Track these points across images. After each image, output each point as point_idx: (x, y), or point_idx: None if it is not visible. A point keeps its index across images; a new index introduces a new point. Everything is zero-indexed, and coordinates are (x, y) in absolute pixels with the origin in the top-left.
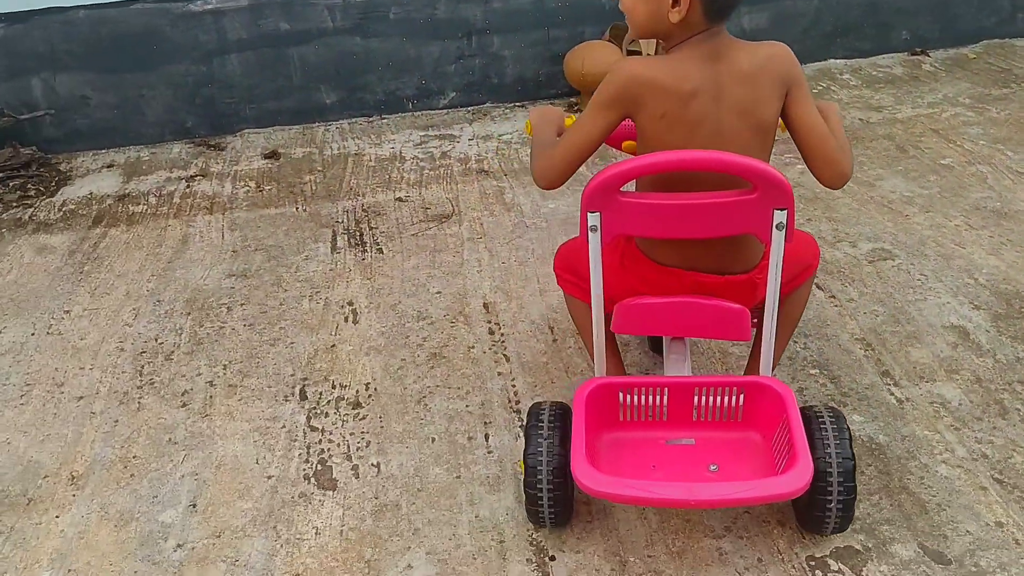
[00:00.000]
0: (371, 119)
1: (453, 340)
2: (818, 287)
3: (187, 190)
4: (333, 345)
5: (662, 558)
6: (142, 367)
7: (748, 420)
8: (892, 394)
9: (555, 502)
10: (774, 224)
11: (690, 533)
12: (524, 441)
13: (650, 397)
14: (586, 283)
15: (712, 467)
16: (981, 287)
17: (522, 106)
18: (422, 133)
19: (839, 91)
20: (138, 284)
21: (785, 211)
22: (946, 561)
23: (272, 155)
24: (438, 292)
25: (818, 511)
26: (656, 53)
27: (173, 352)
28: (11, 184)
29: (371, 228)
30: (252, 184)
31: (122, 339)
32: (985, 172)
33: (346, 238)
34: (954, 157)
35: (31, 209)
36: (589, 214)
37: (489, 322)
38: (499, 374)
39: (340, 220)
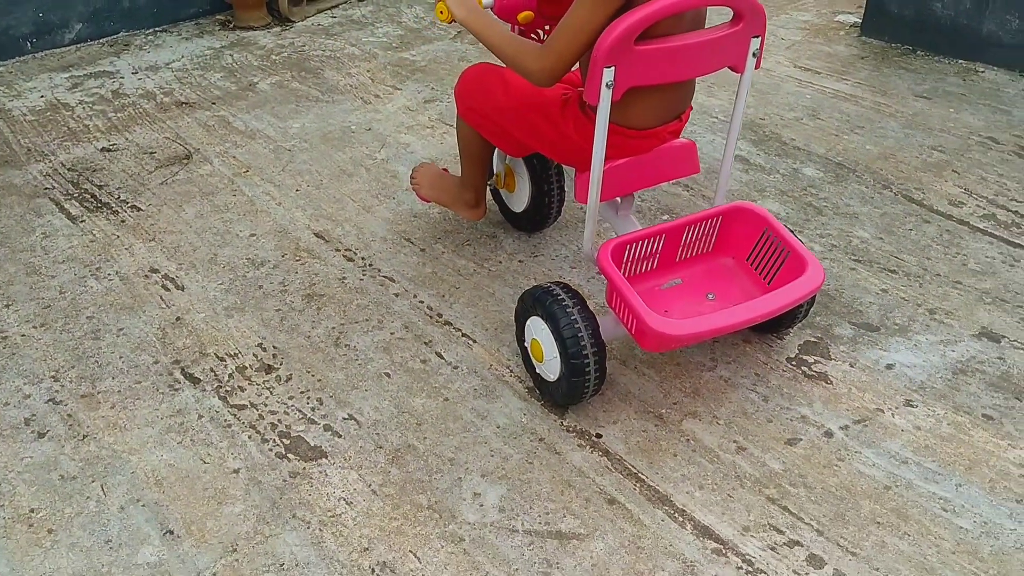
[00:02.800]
0: None
1: (316, 277)
2: None
3: None
4: (178, 318)
5: (685, 401)
6: None
7: (718, 248)
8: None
9: (599, 368)
10: (751, 52)
11: (690, 373)
12: (550, 320)
13: (649, 247)
14: (490, 122)
15: (710, 296)
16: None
17: (164, 30)
18: (65, 75)
19: None
20: None
21: (759, 38)
22: (874, 328)
23: None
24: (252, 235)
25: (787, 314)
26: None
27: None
28: None
29: (99, 187)
30: None
31: None
32: None
33: (77, 203)
34: None
35: None
36: (605, 70)
37: (338, 250)
38: (396, 295)
39: (48, 186)
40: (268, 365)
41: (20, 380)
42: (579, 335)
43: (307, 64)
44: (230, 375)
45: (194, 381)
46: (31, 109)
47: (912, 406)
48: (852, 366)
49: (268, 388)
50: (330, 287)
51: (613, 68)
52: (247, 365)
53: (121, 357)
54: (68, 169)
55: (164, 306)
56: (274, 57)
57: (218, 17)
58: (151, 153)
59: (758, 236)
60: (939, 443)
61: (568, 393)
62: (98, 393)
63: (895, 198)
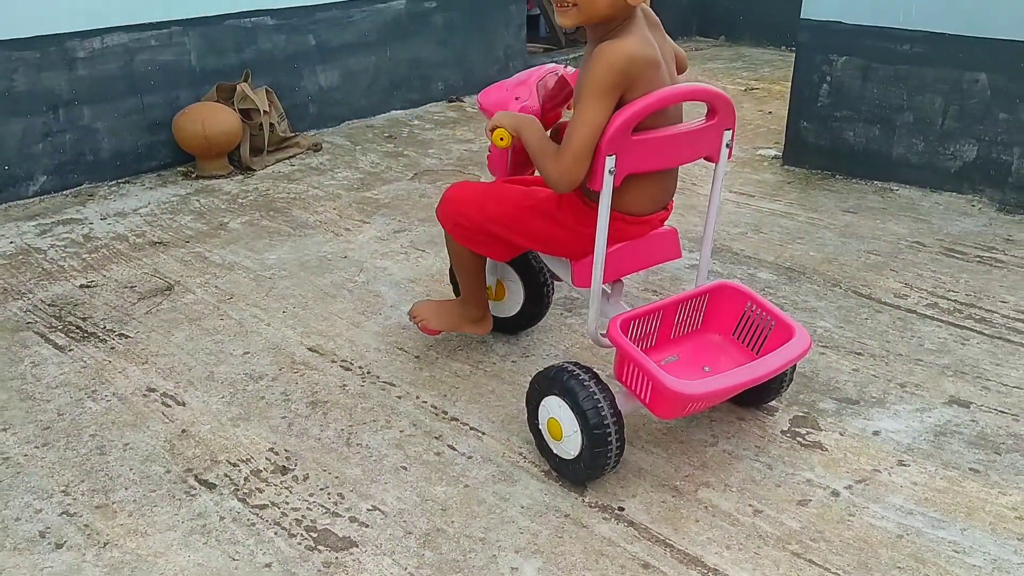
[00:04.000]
0: None
1: (317, 386)
2: None
3: None
4: (184, 431)
5: (695, 473)
6: None
7: (706, 324)
8: None
9: (620, 438)
10: (724, 143)
11: (695, 449)
12: (568, 396)
13: (648, 324)
14: (482, 233)
15: (705, 368)
16: None
17: (127, 181)
18: (32, 223)
19: (425, 133)
20: None
21: (731, 131)
22: (854, 401)
23: None
24: (246, 353)
25: (775, 382)
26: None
27: None
28: None
29: (83, 319)
30: None
31: None
32: None
33: (63, 335)
34: None
35: None
36: (607, 158)
37: (335, 362)
38: (398, 397)
39: (30, 320)
40: (283, 467)
41: (29, 496)
42: (599, 406)
43: (274, 205)
44: (245, 478)
45: (210, 486)
46: (2, 254)
47: (905, 465)
48: (842, 434)
49: (287, 488)
50: (332, 394)
51: (614, 156)
52: (261, 468)
53: (131, 469)
54: (48, 305)
55: (167, 421)
56: (241, 200)
57: (179, 168)
58: (131, 287)
59: (742, 311)
60: (936, 495)
61: (591, 465)
62: (113, 503)
63: (846, 294)
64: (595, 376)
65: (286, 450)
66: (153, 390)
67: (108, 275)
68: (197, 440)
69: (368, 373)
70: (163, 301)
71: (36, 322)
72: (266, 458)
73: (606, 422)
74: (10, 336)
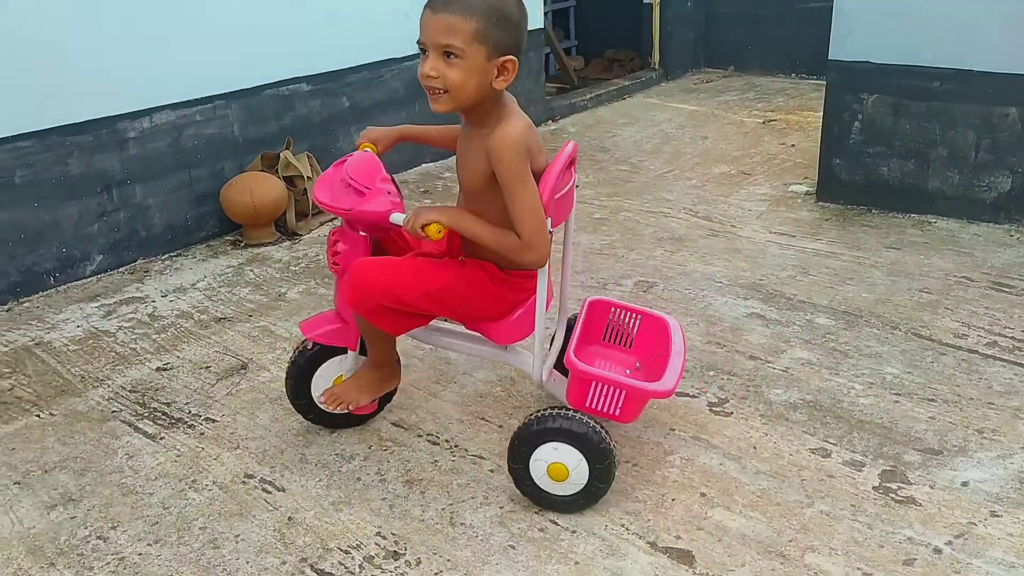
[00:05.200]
0: (7, 306)
1: (409, 463)
2: None
3: None
4: (290, 518)
5: (798, 537)
6: None
7: (582, 339)
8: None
9: (615, 446)
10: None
11: (793, 512)
12: (563, 435)
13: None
14: (404, 310)
15: (627, 372)
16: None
17: (179, 254)
18: (95, 304)
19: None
20: None
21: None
22: (937, 452)
23: None
24: (333, 432)
25: None
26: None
27: None
28: None
29: (167, 404)
30: None
31: None
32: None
33: (150, 422)
34: (602, 213)
35: None
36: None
37: (420, 436)
38: (491, 471)
39: (115, 409)
40: (394, 552)
41: None
42: (593, 426)
43: (327, 272)
44: (360, 566)
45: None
46: (71, 339)
47: (997, 516)
48: (932, 487)
49: (402, 574)
50: (426, 471)
51: (550, 219)
52: (373, 555)
53: (248, 562)
54: (130, 391)
55: (272, 508)
56: (294, 268)
57: (227, 238)
58: (207, 367)
59: (607, 318)
60: None
61: (604, 480)
62: None
63: (906, 336)
64: (563, 407)
65: (393, 533)
66: (251, 476)
67: (181, 356)
68: (305, 527)
69: (456, 447)
70: (240, 381)
71: (121, 410)
72: (375, 543)
73: (604, 435)
74: (99, 427)
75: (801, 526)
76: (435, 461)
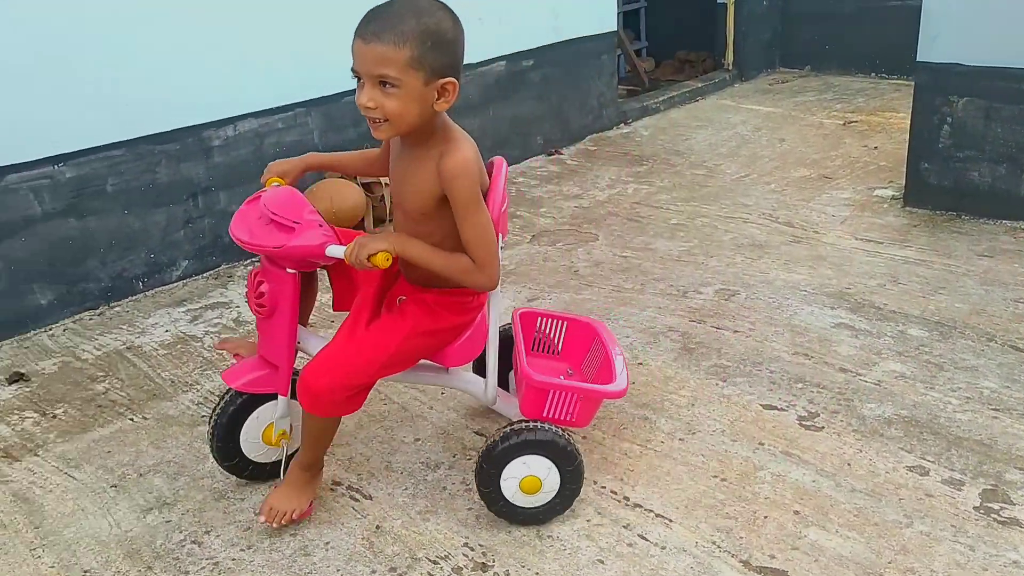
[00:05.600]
0: (99, 311)
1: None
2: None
3: None
4: (378, 527)
5: (898, 559)
6: None
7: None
8: None
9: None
10: None
11: (891, 532)
12: (534, 446)
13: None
14: (368, 383)
15: (562, 377)
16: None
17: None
18: (181, 310)
19: (532, 190)
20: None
21: None
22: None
23: (18, 377)
24: (417, 439)
25: None
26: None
27: None
28: None
29: None
30: (31, 415)
31: None
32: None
33: None
34: (679, 219)
35: None
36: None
37: None
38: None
39: (204, 414)
40: (482, 563)
41: None
42: (557, 432)
43: None
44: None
45: None
46: (160, 343)
47: None
48: None
49: None
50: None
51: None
52: (462, 566)
53: (338, 570)
54: (217, 397)
55: (360, 516)
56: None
57: None
58: None
59: (535, 328)
60: None
61: (575, 482)
62: None
63: (1003, 349)
64: (522, 421)
65: (480, 544)
66: (339, 483)
67: None
68: (393, 536)
69: None
70: None
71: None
72: (463, 554)
73: (568, 438)
74: (190, 431)
75: (900, 547)
76: None
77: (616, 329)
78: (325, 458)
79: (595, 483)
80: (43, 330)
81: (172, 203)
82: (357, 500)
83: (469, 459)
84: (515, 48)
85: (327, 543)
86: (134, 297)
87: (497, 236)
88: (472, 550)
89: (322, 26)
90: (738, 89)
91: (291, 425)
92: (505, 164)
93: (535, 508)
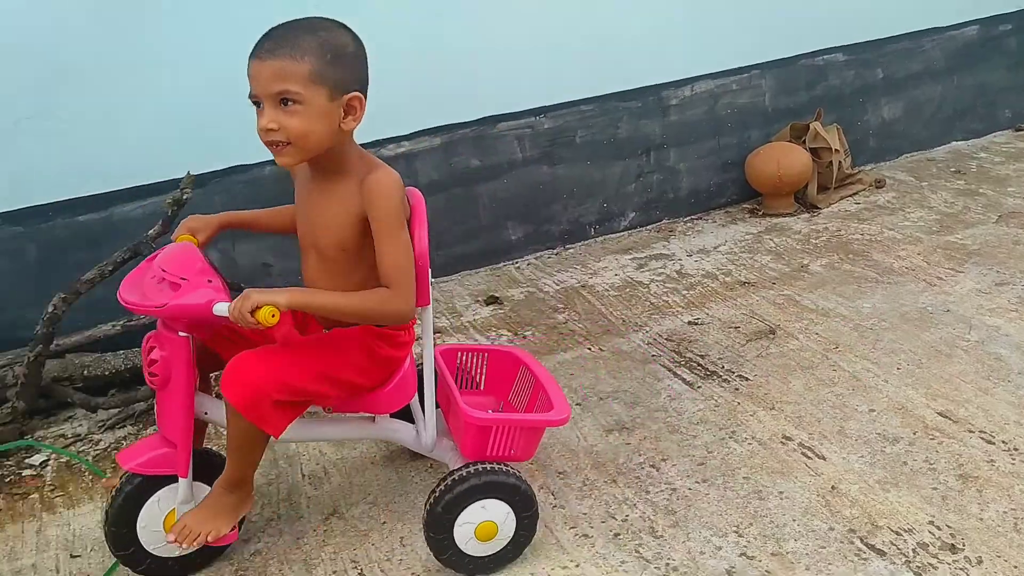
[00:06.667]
0: (555, 251)
1: (961, 457)
2: None
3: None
4: (833, 487)
5: None
6: None
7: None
8: None
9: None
10: None
11: None
12: (483, 492)
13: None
14: (297, 403)
15: (490, 411)
16: None
17: (699, 218)
18: (627, 257)
19: (996, 168)
20: None
21: None
22: None
23: (493, 300)
24: (871, 411)
25: None
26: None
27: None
28: None
29: (700, 356)
30: (505, 333)
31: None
32: None
33: (687, 371)
34: None
35: None
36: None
37: (972, 432)
38: None
39: (655, 354)
40: (951, 544)
41: (706, 532)
42: (510, 471)
43: (851, 247)
44: (914, 550)
45: (879, 553)
46: (611, 285)
47: None
48: None
49: (961, 569)
50: (981, 469)
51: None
52: (928, 543)
53: (794, 519)
54: (665, 339)
55: (813, 474)
56: (814, 241)
57: (745, 205)
58: (735, 327)
59: (456, 364)
60: None
61: (531, 528)
62: (787, 553)
63: None
64: (478, 462)
65: (948, 525)
66: (789, 439)
67: (710, 313)
68: (850, 500)
69: (1016, 450)
70: (769, 345)
71: (660, 355)
72: (928, 531)
73: (524, 479)
74: (642, 367)
75: None
76: (991, 461)
77: None
78: (775, 414)
79: None
80: (511, 263)
81: (628, 157)
82: (810, 458)
83: (932, 439)
84: (991, 11)
85: (781, 492)
86: (586, 241)
87: (426, 269)
88: (939, 529)
89: None
90: None
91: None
92: (422, 197)
93: (486, 556)
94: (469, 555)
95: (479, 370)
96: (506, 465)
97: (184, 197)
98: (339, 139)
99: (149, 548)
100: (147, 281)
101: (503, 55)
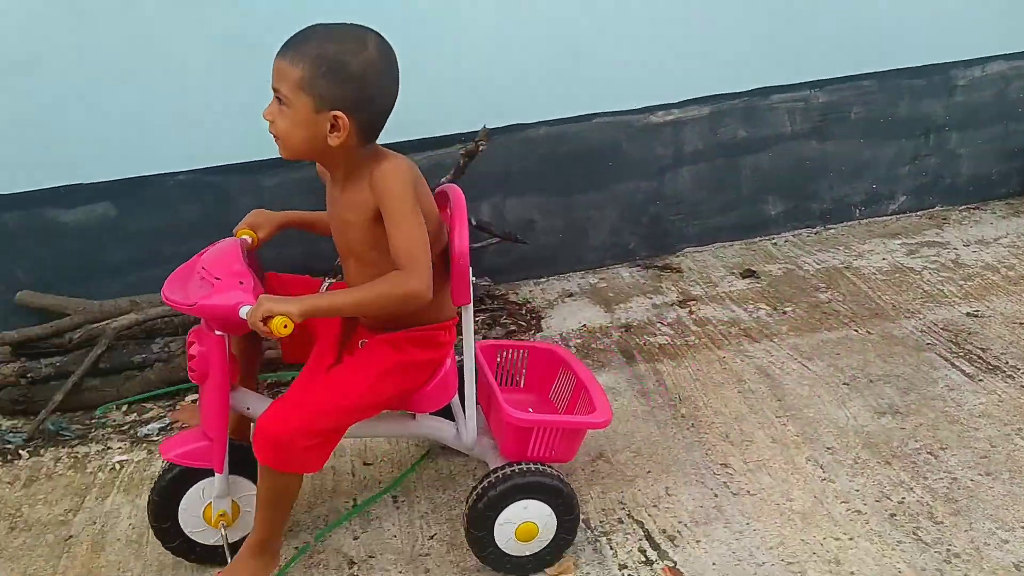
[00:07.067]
0: (815, 229)
1: None
2: None
3: (691, 316)
4: None
5: None
6: None
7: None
8: None
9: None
10: None
11: None
12: (524, 492)
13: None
14: (336, 433)
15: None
16: None
17: (977, 207)
18: (896, 242)
19: None
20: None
21: None
22: None
23: (749, 274)
24: None
25: None
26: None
27: None
28: (479, 320)
29: (981, 349)
30: (764, 307)
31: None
32: None
33: (966, 362)
34: None
35: None
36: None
37: None
38: None
39: (929, 342)
40: None
41: (991, 524)
42: (553, 472)
43: None
44: None
45: None
46: (878, 269)
47: None
48: None
49: None
50: None
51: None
52: None
53: None
54: (942, 329)
55: None
56: None
57: None
58: (1021, 324)
59: (495, 361)
60: None
61: (570, 531)
62: None
63: None
64: (524, 462)
65: None
66: None
67: (991, 306)
68: None
69: None
70: None
71: (936, 344)
72: None
73: (569, 484)
74: (916, 354)
75: None
76: None
77: None
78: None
79: None
80: (767, 238)
81: (904, 137)
82: None
83: None
84: None
85: None
86: (849, 223)
87: (468, 268)
88: None
89: None
90: None
91: (232, 504)
92: (462, 194)
93: (526, 557)
94: (508, 555)
95: (519, 367)
96: (550, 467)
97: (480, 148)
98: (331, 150)
99: (185, 529)
100: (192, 278)
101: (782, 27)
